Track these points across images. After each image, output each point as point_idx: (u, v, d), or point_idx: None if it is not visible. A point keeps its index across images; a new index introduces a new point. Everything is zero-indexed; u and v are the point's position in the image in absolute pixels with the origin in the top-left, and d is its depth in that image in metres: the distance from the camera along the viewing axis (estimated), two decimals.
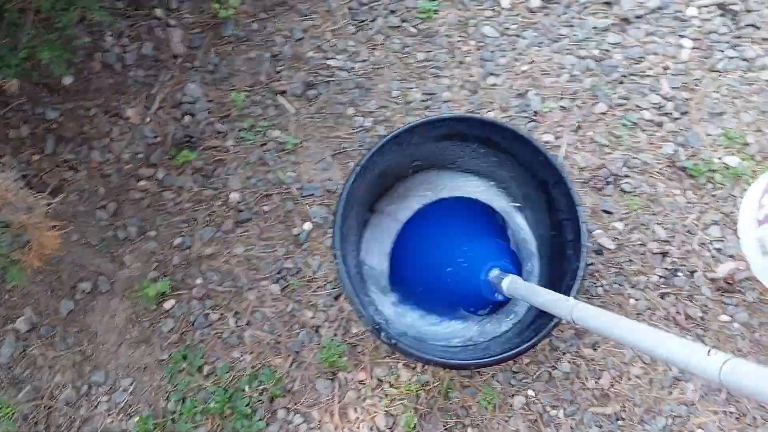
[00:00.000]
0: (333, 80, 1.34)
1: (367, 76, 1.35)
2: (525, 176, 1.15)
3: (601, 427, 1.22)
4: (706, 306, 1.27)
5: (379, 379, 1.22)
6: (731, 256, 1.30)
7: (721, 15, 1.40)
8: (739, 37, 1.38)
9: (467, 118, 1.06)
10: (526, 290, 0.94)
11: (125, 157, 1.29)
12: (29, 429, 1.16)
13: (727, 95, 1.36)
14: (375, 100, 1.33)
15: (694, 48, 1.38)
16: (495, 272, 1.06)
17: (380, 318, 1.06)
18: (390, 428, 1.20)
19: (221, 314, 1.23)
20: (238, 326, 1.23)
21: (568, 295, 0.94)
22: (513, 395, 1.23)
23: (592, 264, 1.28)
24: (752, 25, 1.39)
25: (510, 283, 0.99)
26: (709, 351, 0.51)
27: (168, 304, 1.22)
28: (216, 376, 1.20)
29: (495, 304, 1.17)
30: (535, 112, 1.34)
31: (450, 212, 1.26)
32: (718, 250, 1.30)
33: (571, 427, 1.21)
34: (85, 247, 1.25)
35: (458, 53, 1.36)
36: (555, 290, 0.90)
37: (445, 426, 1.21)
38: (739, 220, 1.31)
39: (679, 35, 1.38)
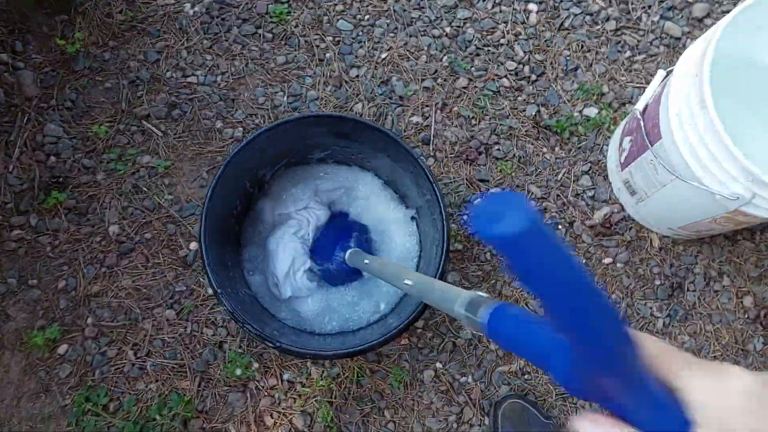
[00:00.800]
0: (196, 96, 1.34)
1: (230, 87, 1.36)
2: (400, 171, 1.19)
3: (509, 384, 1.28)
4: (589, 252, 1.35)
5: (290, 381, 1.24)
6: (605, 201, 1.37)
7: None
8: None
9: (314, 116, 1.08)
10: (353, 256, 1.12)
11: None
12: None
13: (578, 51, 1.44)
14: (242, 110, 1.35)
15: (540, 11, 1.45)
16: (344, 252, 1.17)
17: (272, 328, 1.08)
18: (309, 426, 1.22)
19: (119, 349, 1.22)
20: (138, 358, 1.22)
21: (435, 276, 0.99)
22: (422, 371, 1.27)
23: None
24: None
25: (349, 255, 1.15)
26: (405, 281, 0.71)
27: (62, 349, 1.21)
28: (124, 410, 1.19)
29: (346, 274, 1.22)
30: (401, 97, 1.38)
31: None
32: (592, 197, 1.37)
33: (482, 390, 1.27)
34: None
35: (317, 51, 1.39)
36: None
37: (361, 413, 1.24)
38: (608, 166, 1.40)
39: (525, 1, 1.45)
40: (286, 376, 1.24)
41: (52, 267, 1.25)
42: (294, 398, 1.24)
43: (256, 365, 1.24)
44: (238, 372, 1.21)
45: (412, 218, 1.27)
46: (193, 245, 1.28)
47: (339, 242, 1.18)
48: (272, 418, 1.23)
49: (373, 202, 1.27)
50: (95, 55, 1.34)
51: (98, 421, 1.18)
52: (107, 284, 1.25)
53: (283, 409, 1.23)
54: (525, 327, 0.44)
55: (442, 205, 1.03)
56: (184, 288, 1.26)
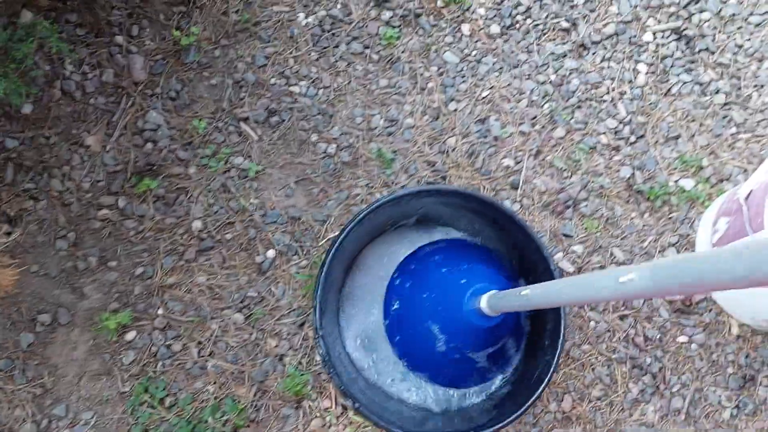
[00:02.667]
0: (296, 106, 1.37)
1: (330, 103, 1.38)
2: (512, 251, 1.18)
3: None
4: (664, 327, 1.32)
5: (344, 407, 1.25)
6: None
7: (677, 40, 1.46)
8: (693, 62, 1.45)
9: (450, 191, 1.08)
10: (503, 299, 0.92)
11: (85, 186, 1.30)
12: None
13: (682, 119, 1.42)
14: (338, 126, 1.37)
15: (649, 72, 1.44)
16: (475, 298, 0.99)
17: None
18: None
19: (184, 344, 1.25)
20: (201, 356, 1.24)
21: (538, 389, 0.99)
22: None
23: None
24: (706, 50, 1.45)
25: (488, 299, 0.95)
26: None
27: (129, 335, 1.24)
28: (178, 407, 1.21)
29: (495, 337, 1.10)
30: (495, 138, 1.38)
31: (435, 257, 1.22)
32: None
33: None
34: (44, 279, 1.26)
35: (420, 79, 1.41)
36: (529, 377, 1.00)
37: None
38: (697, 243, 1.37)
39: (635, 60, 1.44)
40: (341, 401, 1.24)
41: (132, 252, 1.28)
42: (345, 425, 1.24)
43: (311, 385, 1.25)
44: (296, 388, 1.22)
45: None
46: (270, 253, 1.30)
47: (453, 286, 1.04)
48: None
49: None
50: (206, 50, 1.38)
51: (153, 414, 1.21)
52: (183, 277, 1.27)
53: None
54: None
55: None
56: (256, 294, 1.28)
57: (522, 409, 1.01)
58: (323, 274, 1.00)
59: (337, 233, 1.06)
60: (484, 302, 0.96)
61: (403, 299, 1.18)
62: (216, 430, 1.20)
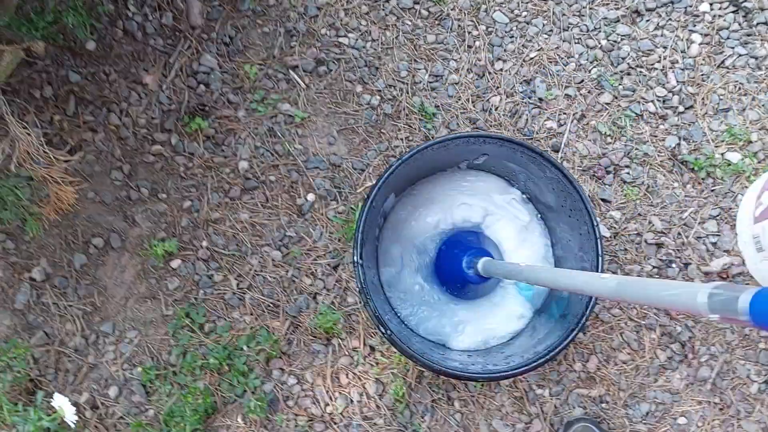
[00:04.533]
0: (344, 58, 1.43)
1: (377, 56, 1.44)
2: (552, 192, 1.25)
3: (584, 408, 1.30)
4: None
5: (371, 347, 1.32)
6: (726, 251, 1.37)
7: (734, 11, 1.46)
8: (750, 35, 1.44)
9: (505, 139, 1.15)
10: (491, 265, 1.13)
11: (141, 122, 1.40)
12: (40, 371, 1.29)
13: (734, 92, 1.43)
14: (383, 79, 1.43)
15: (703, 43, 1.45)
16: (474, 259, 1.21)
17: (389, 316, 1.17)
18: (379, 395, 1.30)
19: (224, 276, 1.34)
20: (239, 288, 1.33)
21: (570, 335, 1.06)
22: (501, 379, 1.32)
23: None
24: (764, 23, 1.45)
25: (482, 264, 1.16)
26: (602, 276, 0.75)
27: (175, 264, 1.34)
28: (216, 334, 1.31)
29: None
30: (540, 99, 1.42)
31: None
32: (714, 244, 1.37)
33: (555, 406, 1.30)
34: (99, 205, 1.36)
35: (468, 37, 1.45)
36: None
37: (432, 398, 1.30)
38: (738, 217, 1.38)
39: (690, 30, 1.45)
40: (369, 342, 1.32)
41: (181, 186, 1.37)
42: (372, 364, 1.31)
43: (342, 324, 1.32)
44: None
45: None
46: (311, 196, 1.38)
47: (466, 253, 1.23)
48: (347, 377, 1.31)
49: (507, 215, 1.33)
50: None
51: (192, 337, 1.31)
52: (227, 214, 1.36)
53: (359, 372, 1.31)
54: None
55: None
56: (294, 234, 1.36)
57: (527, 366, 1.06)
58: (367, 205, 1.07)
59: (383, 171, 1.12)
60: (480, 265, 1.17)
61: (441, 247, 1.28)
62: (250, 357, 1.29)
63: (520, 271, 1.00)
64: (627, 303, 1.31)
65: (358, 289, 1.10)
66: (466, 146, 1.17)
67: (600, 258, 1.10)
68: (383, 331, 1.04)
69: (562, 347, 1.05)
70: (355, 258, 1.09)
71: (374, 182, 1.12)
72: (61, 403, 1.04)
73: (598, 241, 1.10)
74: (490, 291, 1.32)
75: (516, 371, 1.04)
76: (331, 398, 1.30)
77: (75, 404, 1.27)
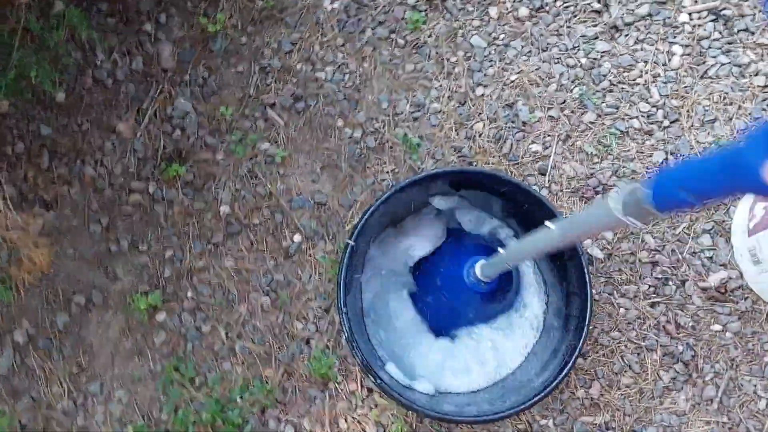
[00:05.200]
0: (321, 92, 1.41)
1: (356, 88, 1.42)
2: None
3: None
4: (697, 315, 1.33)
5: (369, 389, 1.29)
6: (723, 265, 1.35)
7: (714, 20, 1.45)
8: (731, 43, 1.44)
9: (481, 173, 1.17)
10: (492, 262, 1.16)
11: (117, 171, 1.38)
12: None
13: (719, 102, 1.42)
14: (364, 112, 1.41)
15: (684, 54, 1.44)
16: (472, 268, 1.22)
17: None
18: None
19: (212, 326, 1.31)
20: (229, 338, 1.30)
21: (562, 372, 1.04)
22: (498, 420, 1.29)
23: None
24: (745, 30, 1.44)
25: (481, 267, 1.18)
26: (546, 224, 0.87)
27: (160, 317, 1.31)
28: (208, 387, 1.28)
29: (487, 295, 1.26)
30: (524, 123, 1.40)
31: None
32: (710, 258, 1.35)
33: None
34: (79, 261, 1.33)
35: (447, 64, 1.43)
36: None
37: None
38: (732, 230, 1.37)
39: (670, 42, 1.44)
40: (367, 384, 1.29)
41: (162, 236, 1.35)
42: (371, 407, 1.29)
43: (338, 367, 1.30)
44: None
45: None
46: (297, 237, 1.35)
47: (459, 262, 1.22)
48: (346, 422, 1.28)
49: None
50: (233, 38, 1.43)
51: (183, 392, 1.27)
52: (211, 261, 1.33)
53: (358, 415, 1.28)
54: (689, 167, 0.57)
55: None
56: (282, 278, 1.33)
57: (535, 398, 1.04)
58: (347, 252, 1.05)
59: (363, 212, 1.09)
60: (478, 270, 1.19)
61: (424, 280, 1.25)
62: (244, 409, 1.26)
63: (504, 257, 1.08)
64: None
65: (344, 338, 1.07)
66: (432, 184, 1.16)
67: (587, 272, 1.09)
68: (373, 379, 1.01)
69: (560, 379, 1.03)
70: (339, 305, 1.07)
71: (353, 226, 1.10)
72: None
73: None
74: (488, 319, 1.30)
75: (513, 411, 1.02)
76: None
77: None
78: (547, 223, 0.89)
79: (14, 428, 1.25)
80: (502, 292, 1.30)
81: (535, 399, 1.00)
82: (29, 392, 1.29)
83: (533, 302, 1.30)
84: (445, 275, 1.27)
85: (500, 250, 1.13)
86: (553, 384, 1.03)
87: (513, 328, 1.29)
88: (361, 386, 1.29)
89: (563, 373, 1.03)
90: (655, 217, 0.62)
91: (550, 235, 0.88)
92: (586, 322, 1.05)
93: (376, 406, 1.29)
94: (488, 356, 1.26)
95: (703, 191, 0.56)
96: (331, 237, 1.35)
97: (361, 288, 1.27)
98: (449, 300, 1.28)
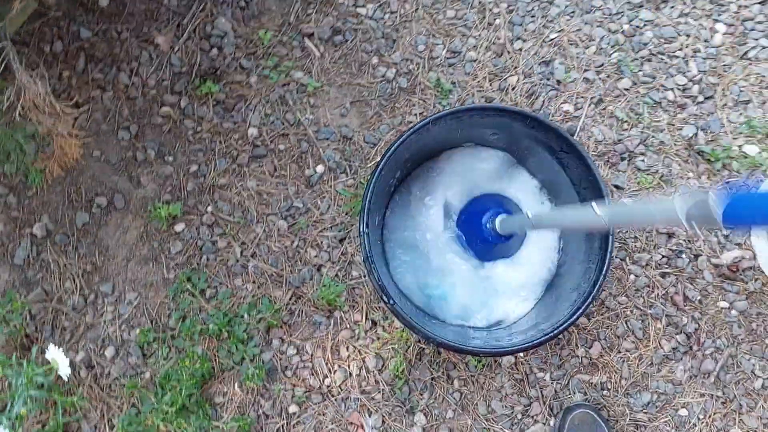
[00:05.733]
0: (361, 28, 1.42)
1: (395, 28, 1.43)
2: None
3: (585, 394, 1.30)
4: (706, 290, 1.34)
5: (373, 322, 1.32)
6: (738, 245, 1.36)
7: (760, 2, 1.44)
8: None
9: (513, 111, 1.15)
10: (512, 222, 1.19)
11: (151, 83, 1.39)
12: (36, 327, 1.29)
13: (755, 84, 1.42)
14: (399, 52, 1.42)
15: (727, 33, 1.43)
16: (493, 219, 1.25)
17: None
18: (379, 370, 1.30)
19: (228, 243, 1.33)
20: (243, 256, 1.33)
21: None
22: (503, 355, 1.32)
23: None
24: None
25: (500, 222, 1.21)
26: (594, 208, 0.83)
27: (178, 227, 1.33)
28: (217, 300, 1.31)
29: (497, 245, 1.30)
30: (558, 81, 1.41)
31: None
32: (726, 236, 1.36)
33: (555, 390, 1.30)
34: (105, 164, 1.36)
35: (488, 14, 1.44)
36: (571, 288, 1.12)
37: (432, 376, 1.30)
38: None
39: (714, 19, 1.44)
40: (371, 316, 1.32)
41: (189, 150, 1.37)
42: (373, 339, 1.31)
43: (345, 297, 1.32)
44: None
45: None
46: (320, 168, 1.37)
47: (486, 212, 1.25)
48: (347, 350, 1.31)
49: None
50: None
51: (193, 302, 1.30)
52: (233, 180, 1.36)
53: (359, 345, 1.31)
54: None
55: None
56: (301, 205, 1.35)
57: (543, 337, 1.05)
58: (377, 173, 1.07)
59: (394, 140, 1.11)
60: (497, 223, 1.22)
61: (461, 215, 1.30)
62: (250, 325, 1.29)
63: (529, 221, 1.07)
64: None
65: (362, 258, 1.09)
66: (481, 119, 1.16)
67: (611, 241, 1.09)
68: (386, 300, 1.03)
69: (569, 323, 1.05)
70: (361, 228, 1.08)
71: (384, 152, 1.11)
72: (54, 355, 1.03)
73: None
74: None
75: (519, 347, 1.04)
76: (330, 370, 1.30)
77: (71, 362, 1.27)
78: (594, 205, 0.83)
79: (24, 317, 1.29)
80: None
81: (545, 337, 1.02)
82: (41, 284, 1.32)
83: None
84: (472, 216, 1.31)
85: (528, 213, 1.11)
86: (567, 323, 1.04)
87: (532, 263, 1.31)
88: (366, 318, 1.32)
89: (578, 314, 1.05)
90: (715, 228, 0.66)
91: (595, 219, 0.82)
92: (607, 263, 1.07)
93: (378, 338, 1.31)
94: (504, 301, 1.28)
95: None
96: (353, 171, 1.37)
97: (386, 216, 1.30)
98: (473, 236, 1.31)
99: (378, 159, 1.36)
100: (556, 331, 1.05)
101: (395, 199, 1.31)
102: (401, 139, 1.08)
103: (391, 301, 1.03)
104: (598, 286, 1.07)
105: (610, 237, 1.08)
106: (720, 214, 0.61)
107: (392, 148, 1.07)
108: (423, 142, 1.17)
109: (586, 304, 1.06)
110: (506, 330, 1.19)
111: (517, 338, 1.09)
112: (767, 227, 0.60)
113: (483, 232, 1.26)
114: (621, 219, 0.77)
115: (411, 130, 1.09)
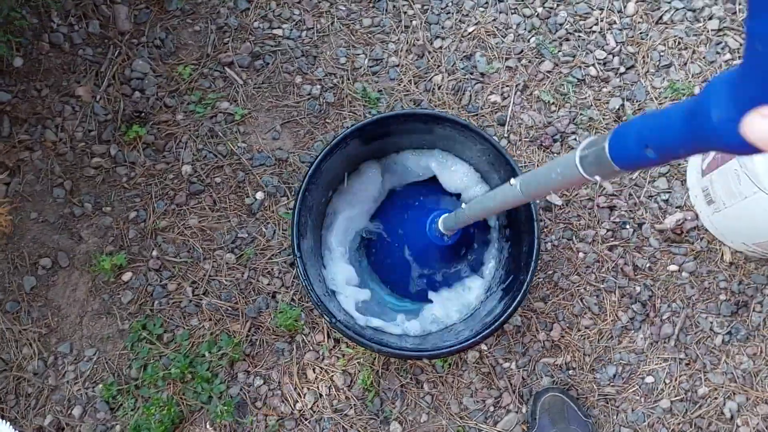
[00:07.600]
0: (279, 49, 1.44)
1: (314, 44, 1.44)
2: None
3: (552, 376, 1.34)
4: (654, 257, 1.38)
5: (336, 340, 1.34)
6: (679, 207, 1.40)
7: None
8: None
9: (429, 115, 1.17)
10: (454, 216, 1.15)
11: (78, 136, 1.40)
12: (0, 399, 1.29)
13: (674, 47, 1.46)
14: (322, 68, 1.43)
15: (640, 1, 1.47)
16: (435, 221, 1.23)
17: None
18: (348, 386, 1.32)
19: (178, 284, 1.35)
20: (195, 295, 1.34)
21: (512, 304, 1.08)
22: (466, 351, 1.35)
23: (541, 221, 1.39)
24: None
25: (443, 220, 1.18)
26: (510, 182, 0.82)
27: (126, 276, 1.34)
28: (176, 343, 1.32)
29: (448, 248, 1.29)
30: (482, 74, 1.44)
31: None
32: (666, 201, 1.40)
33: (523, 377, 1.34)
34: (43, 225, 1.36)
35: (404, 17, 1.46)
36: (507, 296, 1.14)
37: (401, 383, 1.33)
38: (687, 171, 1.42)
39: None
40: (332, 335, 1.34)
41: (125, 197, 1.38)
42: (338, 357, 1.33)
43: (304, 320, 1.34)
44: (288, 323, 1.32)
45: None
46: (259, 194, 1.39)
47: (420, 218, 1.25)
48: (314, 372, 1.33)
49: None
50: None
51: (152, 349, 1.32)
52: (175, 221, 1.37)
53: (325, 365, 1.33)
54: (650, 122, 0.50)
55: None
56: (246, 235, 1.37)
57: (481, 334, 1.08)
58: (300, 196, 1.09)
59: (314, 158, 1.13)
60: (440, 224, 1.19)
61: (383, 224, 1.29)
62: (213, 363, 1.31)
63: (464, 213, 1.07)
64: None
65: (300, 282, 1.11)
66: (404, 125, 1.18)
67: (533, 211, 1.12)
68: (327, 319, 1.06)
69: (509, 313, 1.07)
70: (294, 250, 1.11)
71: (305, 173, 1.13)
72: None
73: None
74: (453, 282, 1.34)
75: (465, 344, 1.06)
76: (299, 395, 1.32)
77: (40, 428, 1.28)
78: (512, 180, 0.86)
79: None
80: (463, 245, 1.34)
81: (485, 332, 1.05)
82: None
83: (491, 256, 1.34)
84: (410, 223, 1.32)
85: (463, 205, 1.13)
86: (507, 312, 1.07)
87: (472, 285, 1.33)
88: (328, 337, 1.34)
89: (516, 302, 1.07)
90: (618, 174, 0.57)
91: (513, 192, 0.84)
92: (534, 257, 1.09)
93: (343, 355, 1.33)
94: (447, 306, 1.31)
95: (664, 147, 0.49)
96: (293, 193, 1.39)
97: (323, 232, 1.32)
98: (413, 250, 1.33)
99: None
100: (499, 321, 1.08)
101: (329, 216, 1.33)
102: (313, 167, 1.11)
103: (333, 319, 1.05)
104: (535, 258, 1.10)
105: (533, 208, 1.11)
106: (608, 155, 0.55)
107: (306, 176, 1.10)
108: (345, 156, 1.20)
109: (523, 290, 1.09)
110: (452, 331, 1.22)
111: (464, 335, 1.12)
112: (663, 157, 0.50)
113: (426, 236, 1.28)
114: (531, 183, 0.77)
115: (321, 156, 1.12)
